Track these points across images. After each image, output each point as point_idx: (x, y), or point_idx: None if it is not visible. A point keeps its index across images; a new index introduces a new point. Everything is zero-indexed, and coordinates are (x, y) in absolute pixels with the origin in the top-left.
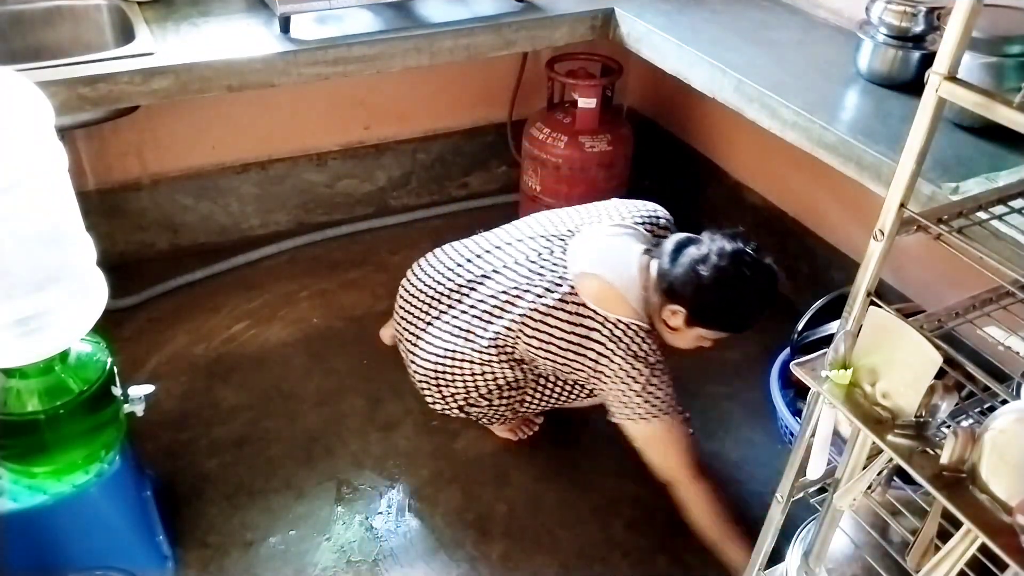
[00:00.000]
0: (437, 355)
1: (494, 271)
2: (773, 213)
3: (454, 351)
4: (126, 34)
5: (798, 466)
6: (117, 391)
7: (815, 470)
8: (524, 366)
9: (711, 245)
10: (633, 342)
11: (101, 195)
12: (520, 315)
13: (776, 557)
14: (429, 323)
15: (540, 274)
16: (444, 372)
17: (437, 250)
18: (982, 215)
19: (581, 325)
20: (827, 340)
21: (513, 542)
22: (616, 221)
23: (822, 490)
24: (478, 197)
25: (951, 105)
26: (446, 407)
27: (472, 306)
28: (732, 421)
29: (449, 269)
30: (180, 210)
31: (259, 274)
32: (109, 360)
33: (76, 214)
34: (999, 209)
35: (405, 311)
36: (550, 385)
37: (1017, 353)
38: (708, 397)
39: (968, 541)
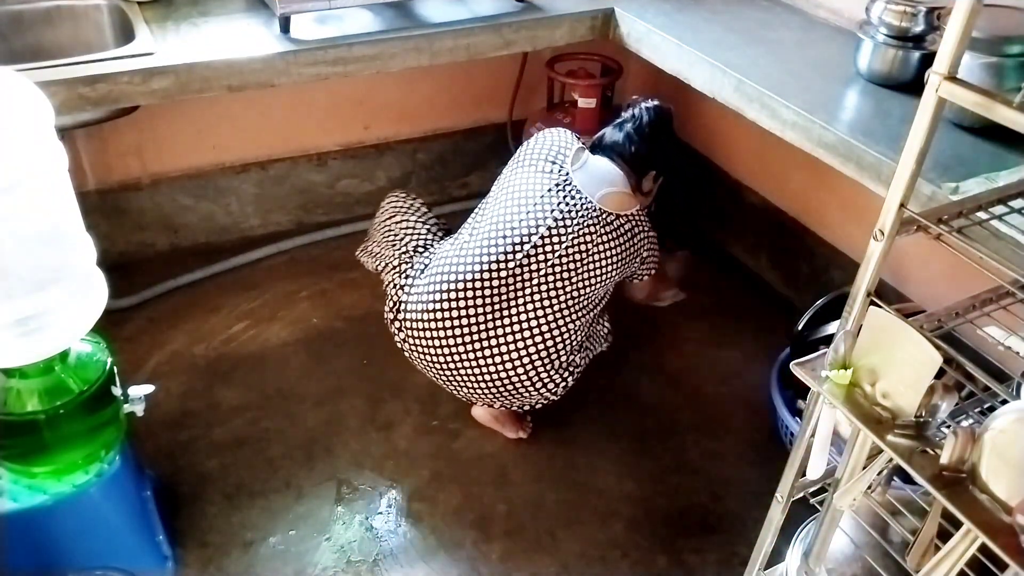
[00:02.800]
0: (535, 333)
1: (531, 234)
2: (773, 213)
3: (548, 322)
4: (126, 34)
5: (798, 466)
6: (117, 391)
7: (815, 470)
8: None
9: (639, 121)
10: (648, 223)
11: (101, 195)
12: (594, 263)
13: (776, 557)
14: (492, 320)
15: (579, 217)
16: (554, 342)
17: (430, 271)
18: (982, 215)
19: (626, 233)
20: (827, 340)
21: (513, 542)
22: (574, 150)
23: (822, 490)
24: (478, 197)
25: (951, 105)
26: (570, 375)
27: (531, 279)
28: (732, 421)
29: (477, 271)
30: (180, 210)
31: (259, 274)
32: (109, 360)
33: (76, 214)
34: (999, 209)
35: (449, 333)
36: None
37: (1017, 353)
38: (708, 397)
39: (968, 541)
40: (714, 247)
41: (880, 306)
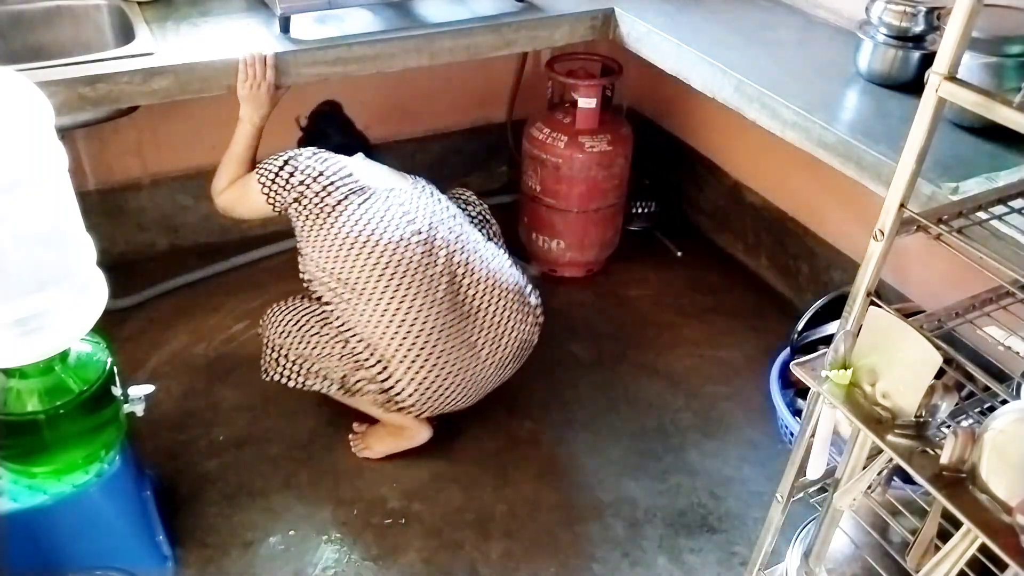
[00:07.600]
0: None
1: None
2: (773, 213)
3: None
4: (126, 34)
5: (798, 466)
6: (117, 391)
7: (815, 470)
8: None
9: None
10: None
11: (101, 195)
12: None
13: (776, 557)
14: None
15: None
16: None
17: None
18: (982, 215)
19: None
20: (827, 340)
21: (513, 542)
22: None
23: (822, 490)
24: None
25: (951, 105)
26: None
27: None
28: (732, 421)
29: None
30: (180, 210)
31: (259, 274)
32: (109, 360)
33: (76, 214)
34: (999, 209)
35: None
36: None
37: (1017, 353)
38: (708, 397)
39: (968, 541)
40: (714, 247)
41: (880, 306)
